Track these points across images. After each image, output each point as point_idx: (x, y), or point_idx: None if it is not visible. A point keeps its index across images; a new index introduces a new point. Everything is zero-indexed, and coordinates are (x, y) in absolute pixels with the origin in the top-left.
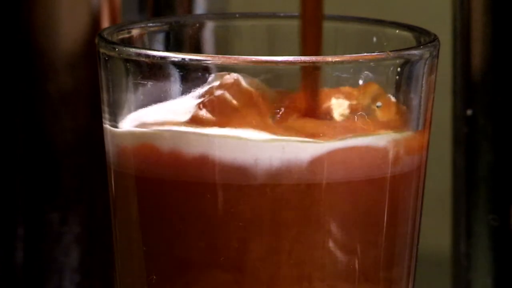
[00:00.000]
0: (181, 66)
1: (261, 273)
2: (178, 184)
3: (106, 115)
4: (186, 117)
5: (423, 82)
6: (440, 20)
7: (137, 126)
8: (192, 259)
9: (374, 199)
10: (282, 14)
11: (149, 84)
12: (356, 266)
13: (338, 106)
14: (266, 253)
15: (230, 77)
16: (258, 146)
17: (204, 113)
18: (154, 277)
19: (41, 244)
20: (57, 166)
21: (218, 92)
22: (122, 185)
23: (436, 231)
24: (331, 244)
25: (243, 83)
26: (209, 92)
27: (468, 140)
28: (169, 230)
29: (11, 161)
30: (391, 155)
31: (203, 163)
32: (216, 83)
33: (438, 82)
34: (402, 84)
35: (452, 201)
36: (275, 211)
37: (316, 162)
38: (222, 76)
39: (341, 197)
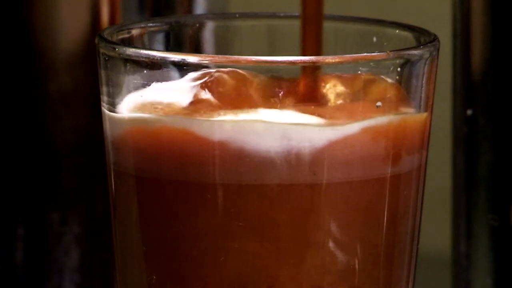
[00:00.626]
0: (181, 66)
1: (261, 273)
2: (178, 184)
3: (105, 99)
4: (187, 99)
5: (423, 82)
6: (440, 20)
7: (135, 108)
8: (192, 259)
9: (374, 199)
10: (282, 14)
11: (149, 84)
12: (356, 266)
13: (337, 91)
14: (266, 253)
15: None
16: (260, 128)
17: (205, 94)
18: (154, 277)
19: (41, 244)
20: (57, 166)
21: (218, 74)
22: (122, 185)
23: (436, 231)
24: (331, 244)
25: (240, 70)
26: (208, 74)
27: (468, 140)
28: (169, 230)
29: (11, 161)
30: (392, 145)
31: (204, 147)
32: (214, 70)
33: (438, 82)
34: (402, 84)
35: (452, 201)
36: (275, 210)
37: (318, 146)
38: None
39: (341, 197)
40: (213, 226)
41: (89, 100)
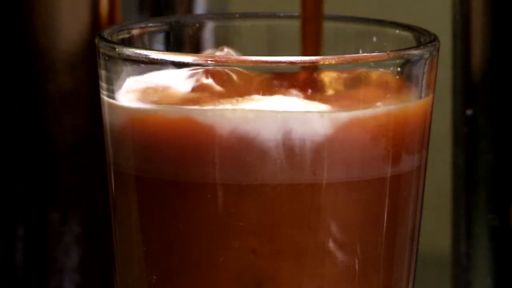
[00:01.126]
0: (180, 66)
1: (261, 273)
2: (178, 183)
3: (104, 87)
4: (188, 86)
5: (423, 82)
6: (440, 20)
7: (135, 92)
8: (192, 259)
9: (374, 199)
10: (282, 14)
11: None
12: (356, 266)
13: (338, 80)
14: (266, 253)
15: (227, 52)
16: (261, 115)
17: (206, 79)
18: (154, 277)
19: (41, 244)
20: (57, 166)
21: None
22: (122, 185)
23: (436, 231)
24: (331, 244)
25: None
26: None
27: (468, 140)
28: (169, 230)
29: (11, 161)
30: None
31: (208, 133)
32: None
33: (438, 82)
34: (402, 84)
35: (452, 201)
36: (276, 210)
37: (320, 134)
38: (219, 50)
39: (341, 197)
40: (213, 226)
41: (89, 100)
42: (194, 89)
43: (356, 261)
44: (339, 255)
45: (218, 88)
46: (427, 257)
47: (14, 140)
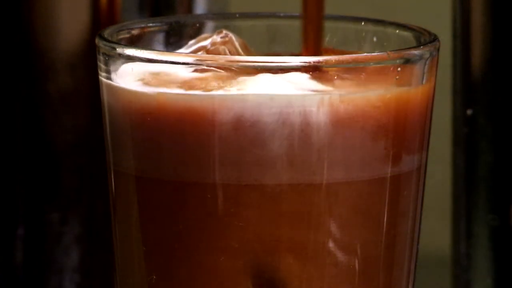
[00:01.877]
0: (180, 66)
1: (261, 273)
2: (178, 183)
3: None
4: (188, 70)
5: (423, 82)
6: (440, 20)
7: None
8: (192, 259)
9: (374, 199)
10: (282, 14)
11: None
12: (356, 266)
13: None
14: (266, 253)
15: (225, 34)
16: (261, 98)
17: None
18: (154, 277)
19: (41, 244)
20: (57, 166)
21: (214, 47)
22: (122, 185)
23: (436, 231)
24: (331, 244)
25: (236, 43)
26: (212, 44)
27: (468, 140)
28: (169, 230)
29: (11, 161)
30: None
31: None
32: (214, 38)
33: (438, 82)
34: (402, 84)
35: (452, 201)
36: (276, 210)
37: (321, 114)
38: (217, 33)
39: (341, 197)
40: (213, 226)
41: (89, 100)
42: (195, 71)
43: (356, 261)
44: (339, 255)
45: (218, 71)
46: (427, 257)
47: (14, 140)
